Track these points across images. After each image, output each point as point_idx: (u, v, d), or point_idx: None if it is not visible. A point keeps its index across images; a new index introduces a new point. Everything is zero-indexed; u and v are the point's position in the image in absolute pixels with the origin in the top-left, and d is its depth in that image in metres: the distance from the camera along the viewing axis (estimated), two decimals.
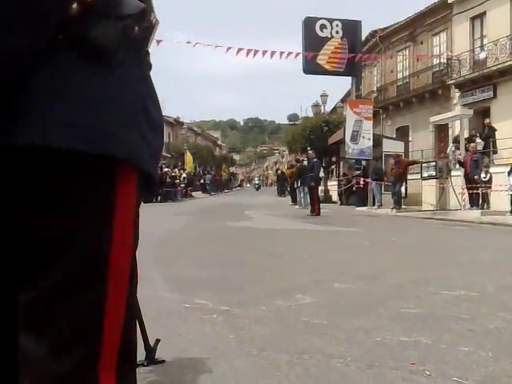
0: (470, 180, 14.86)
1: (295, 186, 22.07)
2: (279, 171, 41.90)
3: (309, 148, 19.26)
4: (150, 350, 2.55)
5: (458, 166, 16.26)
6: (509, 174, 14.24)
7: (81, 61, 0.76)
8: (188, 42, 18.17)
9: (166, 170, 29.65)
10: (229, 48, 18.41)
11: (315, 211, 15.45)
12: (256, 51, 18.91)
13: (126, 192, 0.83)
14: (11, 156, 0.75)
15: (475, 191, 14.68)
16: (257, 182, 66.69)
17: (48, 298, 0.78)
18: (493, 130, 19.39)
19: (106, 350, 0.81)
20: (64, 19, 0.74)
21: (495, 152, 18.90)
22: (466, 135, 18.56)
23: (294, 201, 22.14)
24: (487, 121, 19.77)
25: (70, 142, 0.74)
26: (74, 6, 0.74)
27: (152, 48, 0.91)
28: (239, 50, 18.57)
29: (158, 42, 17.39)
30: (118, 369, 0.83)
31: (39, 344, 0.78)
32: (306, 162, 23.08)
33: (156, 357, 2.58)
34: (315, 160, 17.26)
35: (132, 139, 0.81)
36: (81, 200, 0.79)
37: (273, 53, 19.17)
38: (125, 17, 0.79)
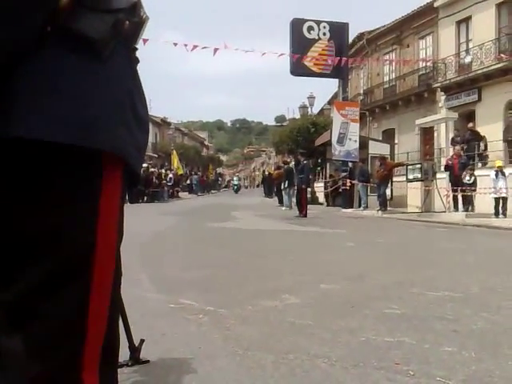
0: (458, 183, 14.99)
1: (282, 187, 22.15)
2: (266, 172, 41.96)
3: (300, 150, 19.27)
4: (135, 350, 2.54)
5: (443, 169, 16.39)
6: (496, 176, 14.35)
7: (70, 54, 0.75)
8: (175, 44, 18.08)
9: (153, 170, 29.55)
10: (216, 49, 18.39)
11: (303, 213, 15.47)
12: (243, 52, 18.94)
13: (112, 186, 0.82)
14: None
15: (464, 193, 14.82)
16: (235, 183, 51.82)
17: (30, 296, 0.76)
18: (476, 133, 19.51)
19: (90, 349, 0.80)
20: (53, 11, 0.72)
21: (481, 155, 19.04)
22: (451, 138, 18.73)
23: (281, 202, 22.19)
24: (470, 125, 19.92)
25: (57, 135, 0.73)
26: None
27: (139, 47, 0.91)
28: (226, 49, 18.55)
29: (145, 41, 17.35)
30: (101, 368, 0.82)
31: (21, 343, 0.76)
32: (292, 164, 23.19)
33: (140, 357, 2.56)
34: (305, 162, 17.31)
35: (119, 133, 0.80)
36: (66, 194, 0.78)
37: (260, 54, 19.21)
38: (116, 10, 0.78)
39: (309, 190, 23.00)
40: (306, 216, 15.27)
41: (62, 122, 0.74)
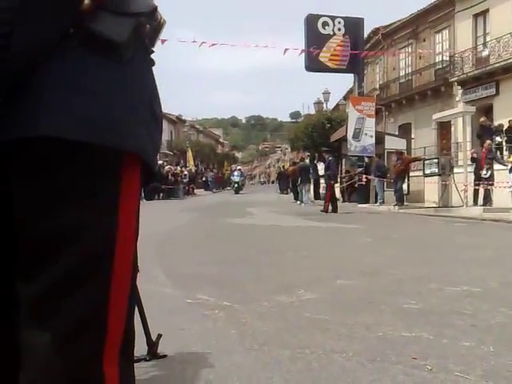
0: (480, 177, 14.82)
1: (297, 183, 22.17)
2: (281, 168, 41.92)
3: (324, 148, 19.22)
4: (152, 345, 2.56)
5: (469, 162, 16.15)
6: (510, 171, 14.22)
7: (92, 55, 0.77)
8: (194, 42, 18.08)
9: (168, 167, 29.68)
10: (232, 45, 18.36)
11: (326, 208, 15.34)
12: (259, 48, 18.90)
13: (131, 184, 0.84)
14: (20, 148, 0.76)
15: (482, 188, 14.66)
16: (236, 180, 36.46)
17: (53, 292, 0.78)
18: (486, 128, 19.18)
19: (110, 342, 0.82)
20: (76, 14, 0.75)
21: (498, 149, 18.78)
22: (469, 132, 18.50)
23: (296, 198, 22.19)
24: (482, 119, 19.62)
25: (83, 135, 0.75)
26: (87, 1, 0.75)
27: (159, 46, 0.94)
28: (242, 46, 18.54)
29: (163, 41, 17.39)
30: (120, 360, 0.83)
31: (43, 338, 0.78)
32: (307, 161, 23.15)
33: (158, 351, 2.58)
34: (330, 158, 17.28)
35: (140, 133, 0.82)
36: (87, 192, 0.80)
37: (275, 50, 19.16)
38: (137, 14, 0.81)
39: (324, 185, 23.03)
40: (327, 212, 15.15)
41: (88, 122, 0.76)
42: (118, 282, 0.82)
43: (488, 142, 15.89)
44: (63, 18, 0.74)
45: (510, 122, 18.56)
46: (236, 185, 35.74)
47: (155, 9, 0.84)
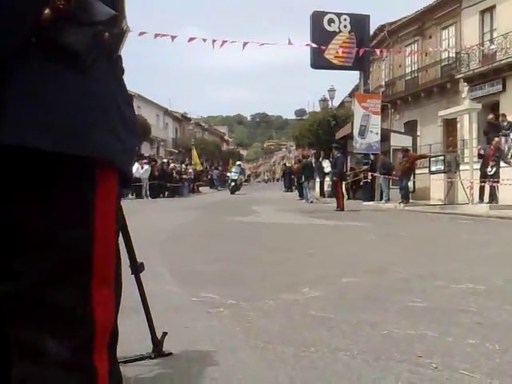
0: (486, 174, 14.76)
1: (301, 180, 22.18)
2: (286, 166, 41.88)
3: (334, 144, 19.16)
4: (157, 343, 2.57)
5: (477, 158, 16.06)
6: None
7: (53, 64, 0.79)
8: (204, 40, 18.00)
9: (173, 165, 29.71)
10: (245, 43, 18.26)
11: (340, 207, 15.21)
12: (263, 45, 18.81)
13: (106, 190, 0.87)
14: None
15: (487, 185, 14.61)
16: (234, 178, 29.31)
17: (36, 289, 0.82)
18: (494, 126, 19.09)
19: (100, 335, 0.86)
20: (37, 23, 0.76)
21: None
22: (475, 129, 18.42)
23: (301, 196, 22.17)
24: (490, 116, 19.51)
25: (44, 143, 0.77)
26: (47, 11, 0.76)
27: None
28: (245, 43, 18.44)
29: (173, 37, 17.38)
30: (109, 352, 0.89)
31: (30, 334, 0.83)
32: (311, 158, 23.11)
33: (163, 350, 2.59)
34: (339, 155, 17.21)
35: (105, 139, 0.84)
36: (59, 200, 0.83)
37: (280, 47, 19.10)
38: (96, 23, 0.82)
39: (329, 183, 23.02)
40: (343, 209, 15.08)
41: (50, 130, 0.77)
42: (101, 278, 0.86)
43: (496, 139, 15.81)
44: (23, 27, 0.76)
45: None
46: (233, 183, 28.83)
47: (115, 16, 0.85)
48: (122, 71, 0.95)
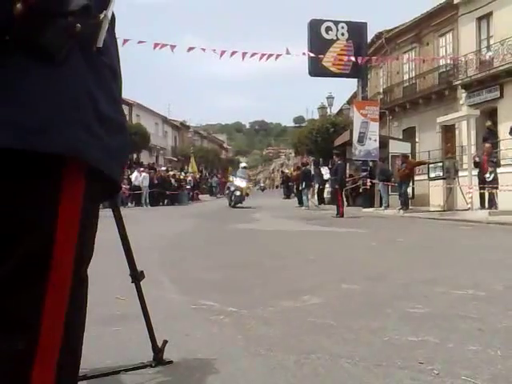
0: (481, 180, 14.79)
1: (300, 188, 22.25)
2: (285, 173, 41.93)
3: (335, 151, 19.21)
4: (158, 351, 2.56)
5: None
6: None
7: (21, 59, 0.76)
8: (203, 49, 18.08)
9: (172, 173, 29.74)
10: (234, 52, 18.35)
11: (339, 213, 15.28)
12: (262, 54, 18.85)
13: (73, 191, 0.82)
14: None
15: (489, 191, 14.63)
16: (240, 185, 22.01)
17: None
18: (494, 132, 19.19)
19: (43, 352, 0.80)
20: (9, 19, 0.73)
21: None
22: (473, 136, 18.46)
23: (301, 203, 22.20)
24: (488, 123, 19.56)
25: (5, 140, 0.73)
26: (19, 5, 0.73)
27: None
28: (244, 54, 18.50)
29: (172, 47, 17.42)
30: (58, 371, 0.82)
31: None
32: (310, 166, 23.15)
33: (163, 358, 2.58)
34: (339, 162, 17.24)
35: (75, 134, 0.79)
36: (20, 199, 0.79)
37: (278, 55, 19.12)
38: (67, 14, 0.78)
39: (329, 190, 23.04)
40: (342, 216, 15.10)
41: (12, 126, 0.74)
42: (55, 289, 0.81)
43: (487, 145, 15.86)
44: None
45: None
46: (238, 192, 22.01)
47: (86, 6, 0.80)
48: (108, 66, 0.90)
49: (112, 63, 0.92)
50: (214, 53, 17.87)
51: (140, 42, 16.54)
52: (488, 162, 14.93)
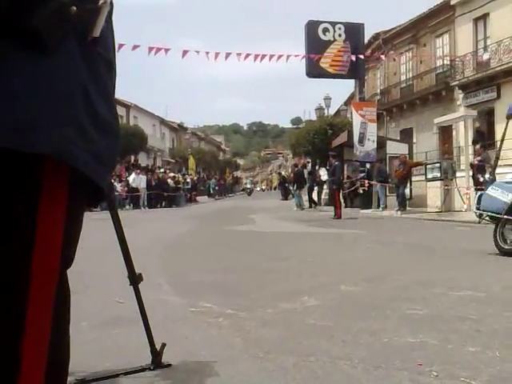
0: (476, 182, 14.84)
1: (292, 189, 22.45)
2: (282, 175, 41.94)
3: (331, 153, 19.23)
4: (156, 354, 2.55)
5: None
6: None
7: (8, 45, 0.67)
8: (197, 52, 18.08)
9: (172, 174, 29.73)
10: (228, 54, 18.35)
11: (337, 215, 15.26)
12: (258, 56, 18.86)
13: (55, 194, 0.74)
14: None
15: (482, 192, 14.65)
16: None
17: None
18: (482, 134, 19.22)
19: (27, 368, 0.73)
20: None
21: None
22: (471, 136, 18.49)
23: (298, 204, 22.25)
24: (477, 125, 19.59)
25: None
26: None
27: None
28: (239, 54, 18.50)
29: (166, 50, 17.40)
30: (47, 381, 0.76)
31: None
32: (309, 166, 23.26)
33: (162, 361, 2.57)
34: (336, 163, 17.21)
35: (63, 134, 0.70)
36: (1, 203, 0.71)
37: (274, 56, 19.13)
38: None
39: (326, 191, 23.06)
40: (340, 217, 15.10)
41: None
42: (37, 298, 0.73)
43: (477, 147, 15.91)
44: None
45: None
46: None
47: None
48: (106, 61, 0.81)
49: (108, 55, 0.83)
50: (208, 55, 17.88)
51: (135, 46, 16.42)
52: (479, 162, 14.98)
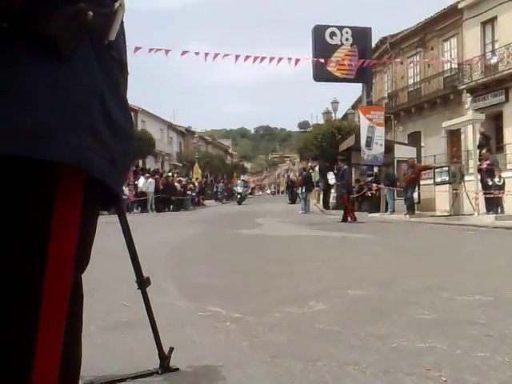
0: (484, 186, 14.79)
1: (299, 192, 22.48)
2: (289, 179, 41.94)
3: (339, 157, 19.22)
4: (164, 358, 2.55)
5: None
6: None
7: (24, 52, 0.66)
8: (207, 54, 18.13)
9: (179, 178, 29.80)
10: (237, 56, 18.38)
11: (351, 218, 15.19)
12: (265, 58, 18.87)
13: (69, 202, 0.73)
14: None
15: (490, 196, 14.60)
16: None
17: None
18: (488, 137, 19.14)
19: (41, 368, 0.73)
20: (6, 2, 0.64)
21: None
22: (479, 140, 18.41)
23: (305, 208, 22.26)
24: (481, 129, 19.50)
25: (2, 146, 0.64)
26: None
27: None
28: (247, 57, 18.51)
29: (184, 52, 17.46)
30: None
31: None
32: (317, 169, 23.26)
33: (170, 365, 2.57)
34: (345, 167, 17.21)
35: (79, 141, 0.70)
36: (11, 211, 0.70)
37: (282, 60, 19.12)
38: (77, 0, 0.68)
39: (334, 195, 23.03)
40: (355, 219, 15.06)
41: (7, 131, 0.65)
42: (49, 313, 0.73)
43: (483, 151, 15.85)
44: None
45: None
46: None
47: None
48: (119, 63, 0.80)
49: (121, 57, 0.82)
50: (207, 57, 17.93)
51: (136, 48, 16.46)
52: (488, 166, 14.93)
